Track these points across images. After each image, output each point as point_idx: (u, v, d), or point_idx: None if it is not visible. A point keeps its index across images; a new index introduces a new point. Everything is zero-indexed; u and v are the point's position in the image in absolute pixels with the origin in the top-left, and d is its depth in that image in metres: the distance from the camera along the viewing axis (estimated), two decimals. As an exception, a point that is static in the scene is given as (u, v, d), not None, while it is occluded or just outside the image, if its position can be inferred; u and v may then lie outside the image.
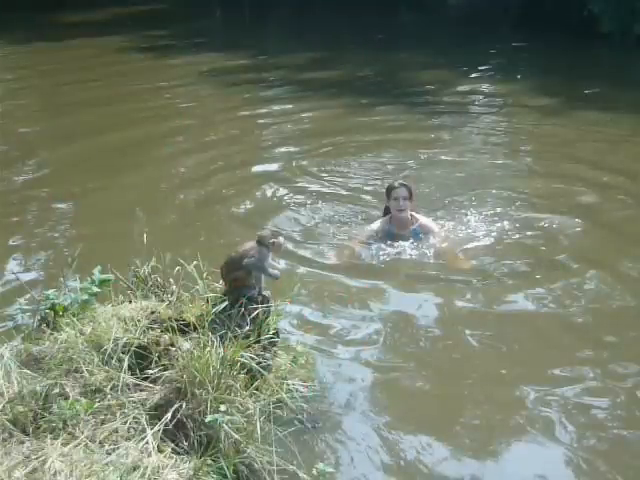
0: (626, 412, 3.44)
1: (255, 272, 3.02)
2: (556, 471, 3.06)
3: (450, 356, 4.10)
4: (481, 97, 9.16)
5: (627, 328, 4.25)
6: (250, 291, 3.04)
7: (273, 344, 3.05)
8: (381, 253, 4.48)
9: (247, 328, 2.84)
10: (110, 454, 2.45)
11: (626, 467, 3.02)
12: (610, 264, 4.98)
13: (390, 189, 4.50)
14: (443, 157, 6.68)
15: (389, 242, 4.52)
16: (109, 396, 2.68)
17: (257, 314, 2.93)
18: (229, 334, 2.80)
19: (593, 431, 3.30)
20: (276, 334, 3.09)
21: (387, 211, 4.63)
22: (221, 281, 3.13)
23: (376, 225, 4.64)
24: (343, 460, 2.96)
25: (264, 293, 3.11)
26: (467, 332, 4.24)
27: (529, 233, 5.54)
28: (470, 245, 4.83)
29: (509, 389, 3.71)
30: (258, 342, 2.89)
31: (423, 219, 4.70)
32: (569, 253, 5.10)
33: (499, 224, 5.29)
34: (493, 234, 5.14)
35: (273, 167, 6.39)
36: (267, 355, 2.91)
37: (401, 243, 4.49)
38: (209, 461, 2.50)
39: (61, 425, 2.56)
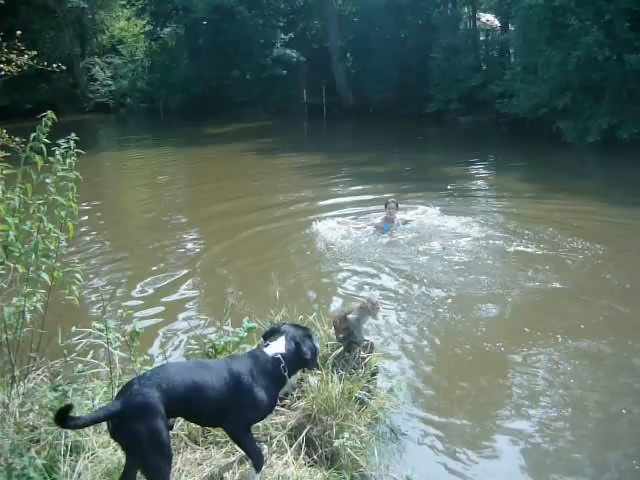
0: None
1: (351, 327, 3.87)
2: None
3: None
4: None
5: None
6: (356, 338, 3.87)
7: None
8: (380, 235, 7.89)
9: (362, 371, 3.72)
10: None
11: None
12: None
13: (386, 203, 8.11)
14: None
15: (385, 229, 8.00)
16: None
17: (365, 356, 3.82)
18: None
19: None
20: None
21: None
22: (333, 329, 3.99)
23: (378, 219, 8.22)
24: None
25: (367, 339, 3.94)
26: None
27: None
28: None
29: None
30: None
31: (404, 217, 8.19)
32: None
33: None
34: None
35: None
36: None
37: (391, 230, 7.95)
38: (334, 473, 3.17)
39: (224, 440, 3.35)
